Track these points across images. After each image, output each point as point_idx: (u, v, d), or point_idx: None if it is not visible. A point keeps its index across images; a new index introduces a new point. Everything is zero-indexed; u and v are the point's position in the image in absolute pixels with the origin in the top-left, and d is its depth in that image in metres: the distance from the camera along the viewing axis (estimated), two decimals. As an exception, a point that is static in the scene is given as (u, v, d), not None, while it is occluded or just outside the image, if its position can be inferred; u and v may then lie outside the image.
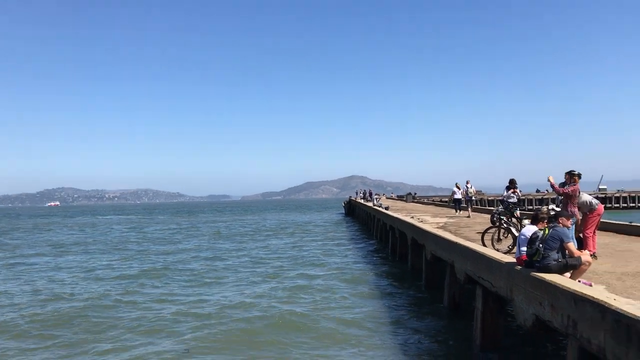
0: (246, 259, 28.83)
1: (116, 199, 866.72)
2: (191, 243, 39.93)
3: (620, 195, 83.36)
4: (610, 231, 17.35)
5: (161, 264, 27.21)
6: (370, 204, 51.47)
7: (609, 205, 78.96)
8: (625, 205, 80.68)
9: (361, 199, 71.04)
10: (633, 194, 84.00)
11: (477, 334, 11.03)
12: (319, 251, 31.90)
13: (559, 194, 11.61)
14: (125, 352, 11.86)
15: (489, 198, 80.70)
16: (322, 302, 16.60)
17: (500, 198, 16.91)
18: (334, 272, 23.02)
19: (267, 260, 27.80)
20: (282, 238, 43.56)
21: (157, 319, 14.71)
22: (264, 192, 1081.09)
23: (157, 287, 20.22)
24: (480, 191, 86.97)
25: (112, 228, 64.78)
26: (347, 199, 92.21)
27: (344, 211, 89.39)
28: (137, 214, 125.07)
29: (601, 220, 16.03)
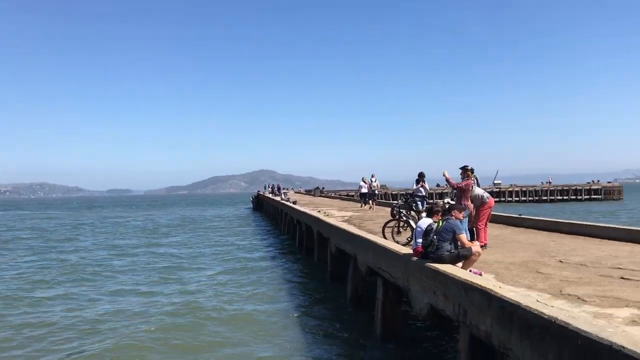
0: (147, 256, 27.85)
1: (8, 193, 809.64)
2: (89, 240, 38.07)
3: (513, 190, 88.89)
4: (502, 223, 18.38)
5: (54, 262, 25.75)
6: (278, 198, 51.48)
7: (503, 199, 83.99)
8: (517, 199, 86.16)
9: (269, 193, 70.86)
10: (525, 189, 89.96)
11: (377, 324, 11.35)
12: (225, 246, 31.51)
13: (454, 188, 12.15)
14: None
15: (393, 192, 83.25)
16: (226, 297, 16.41)
17: (409, 191, 17.38)
18: (240, 266, 22.84)
19: (169, 257, 27.06)
20: (185, 234, 42.59)
21: (45, 323, 13.91)
22: (169, 187, 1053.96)
23: (47, 288, 19.12)
24: (385, 185, 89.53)
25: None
26: (256, 194, 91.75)
27: (252, 206, 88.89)
28: (31, 210, 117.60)
29: (494, 213, 17.05)
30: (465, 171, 12.06)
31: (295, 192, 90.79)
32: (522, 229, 16.75)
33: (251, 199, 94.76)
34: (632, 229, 13.41)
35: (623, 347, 4.04)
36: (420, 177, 17.91)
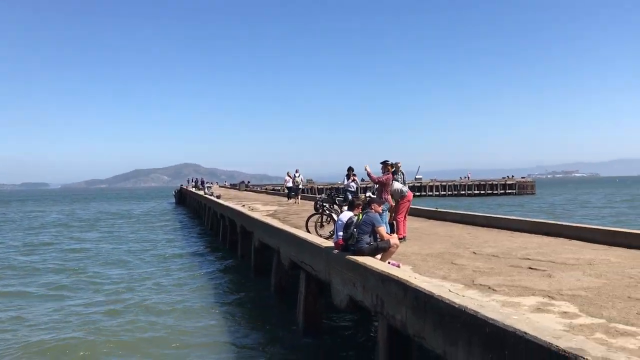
0: (61, 254, 26.67)
1: None
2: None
3: (433, 184, 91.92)
4: (422, 217, 18.96)
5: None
6: (201, 192, 50.66)
7: (424, 193, 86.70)
8: (438, 193, 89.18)
9: (193, 187, 69.56)
10: (444, 183, 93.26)
11: (300, 317, 11.41)
12: (145, 242, 30.64)
13: (374, 182, 12.39)
14: None
15: (319, 187, 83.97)
16: (146, 294, 15.97)
17: (340, 186, 17.58)
18: (161, 262, 22.30)
19: (86, 254, 26.03)
20: (103, 229, 41.09)
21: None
22: (88, 180, 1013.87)
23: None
24: (311, 180, 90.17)
25: None
26: (179, 188, 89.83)
27: (175, 200, 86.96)
28: None
29: (414, 206, 17.58)
30: (386, 166, 12.34)
31: (220, 186, 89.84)
32: (440, 222, 17.33)
33: (174, 193, 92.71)
34: (540, 222, 14.20)
35: (526, 333, 4.26)
36: (350, 171, 18.11)
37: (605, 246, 10.88)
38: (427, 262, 9.62)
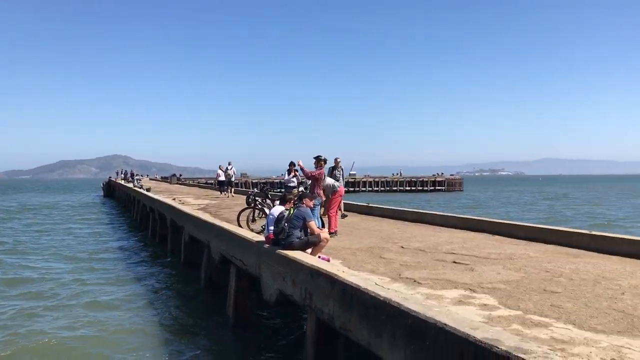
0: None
1: None
2: None
3: (367, 180, 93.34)
4: (354, 212, 19.23)
5: None
6: (131, 185, 49.29)
7: (357, 188, 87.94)
8: (371, 189, 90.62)
9: (122, 180, 67.58)
10: (377, 179, 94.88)
11: (230, 312, 11.35)
12: (70, 236, 29.47)
13: (307, 177, 12.47)
14: None
15: (254, 180, 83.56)
16: (70, 291, 15.34)
17: (282, 181, 17.52)
18: (86, 258, 21.47)
19: (3, 252, 24.78)
20: (24, 221, 39.22)
21: None
22: (9, 171, 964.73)
23: None
24: (245, 174, 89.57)
25: None
26: (107, 180, 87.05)
27: (102, 193, 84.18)
28: None
29: (346, 202, 17.86)
30: (319, 161, 12.43)
31: (151, 179, 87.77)
32: (371, 217, 17.65)
33: (102, 186, 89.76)
34: (465, 218, 14.73)
35: (446, 325, 4.41)
36: (291, 166, 18.09)
37: (525, 241, 11.41)
38: (356, 256, 9.78)
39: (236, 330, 10.95)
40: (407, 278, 7.66)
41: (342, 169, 16.21)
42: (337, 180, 15.95)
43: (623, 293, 6.61)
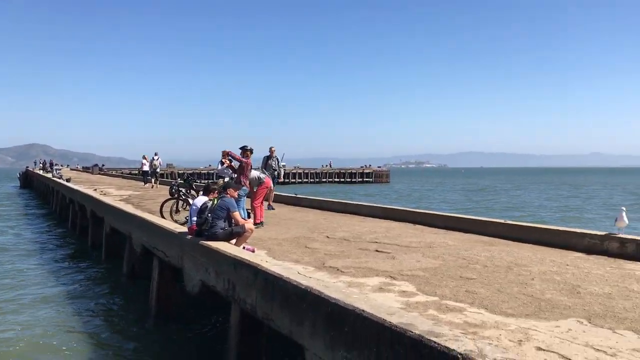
0: None
1: None
2: None
3: (296, 172, 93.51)
4: (282, 202, 19.21)
5: None
6: (49, 175, 47.11)
7: (287, 180, 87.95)
8: (300, 180, 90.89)
9: (40, 169, 64.51)
10: (307, 171, 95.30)
11: (152, 304, 11.10)
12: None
13: (239, 162, 12.39)
14: None
15: (180, 171, 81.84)
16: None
17: (216, 171, 17.18)
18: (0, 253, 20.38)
19: None
20: None
21: None
22: None
23: None
24: (172, 164, 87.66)
25: None
26: (24, 170, 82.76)
27: (19, 183, 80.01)
28: None
29: (276, 193, 17.87)
30: (245, 151, 12.37)
31: (72, 169, 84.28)
32: (299, 208, 17.71)
33: (18, 176, 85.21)
34: (388, 208, 15.07)
35: (364, 311, 4.50)
36: (225, 157, 17.87)
37: (444, 230, 11.81)
38: (282, 246, 9.79)
39: (158, 321, 10.73)
40: (330, 267, 7.75)
41: (277, 158, 16.32)
42: (274, 169, 16.07)
43: (533, 279, 6.98)
